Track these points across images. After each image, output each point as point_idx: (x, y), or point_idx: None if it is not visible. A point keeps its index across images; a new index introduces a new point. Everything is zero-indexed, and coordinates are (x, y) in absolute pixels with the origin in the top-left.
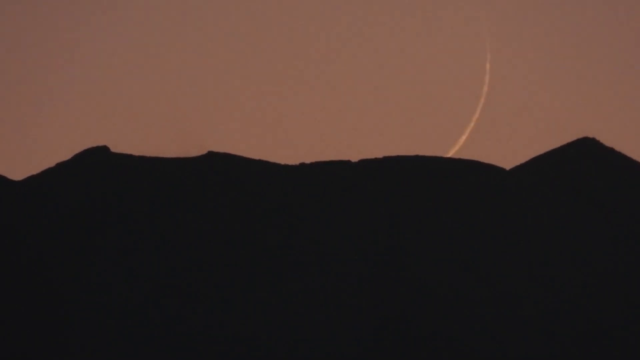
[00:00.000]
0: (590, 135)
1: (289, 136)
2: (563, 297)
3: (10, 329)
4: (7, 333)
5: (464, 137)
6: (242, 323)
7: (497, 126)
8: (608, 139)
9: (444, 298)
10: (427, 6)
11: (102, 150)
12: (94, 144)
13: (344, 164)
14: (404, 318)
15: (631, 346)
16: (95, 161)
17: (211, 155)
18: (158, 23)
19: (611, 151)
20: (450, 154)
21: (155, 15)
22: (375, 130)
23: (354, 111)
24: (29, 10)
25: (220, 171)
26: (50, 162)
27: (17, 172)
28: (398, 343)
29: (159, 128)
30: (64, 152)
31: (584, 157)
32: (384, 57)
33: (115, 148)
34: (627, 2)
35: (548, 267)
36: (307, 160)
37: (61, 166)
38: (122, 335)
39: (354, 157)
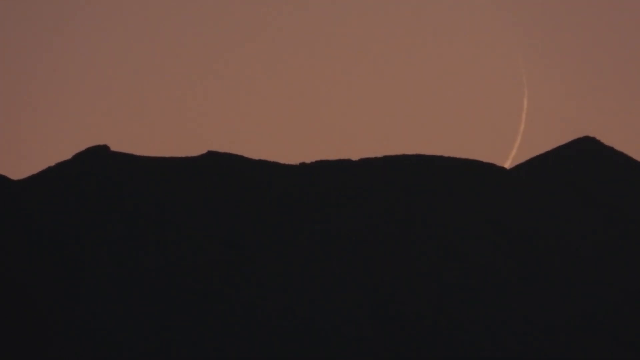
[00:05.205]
0: (590, 135)
1: (289, 136)
2: (562, 296)
3: (9, 329)
4: (6, 334)
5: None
6: (242, 322)
7: (497, 125)
8: (608, 139)
9: (444, 297)
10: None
11: (102, 150)
12: (94, 144)
13: (345, 163)
14: (403, 317)
15: (631, 346)
16: (95, 161)
17: (211, 155)
18: (158, 22)
19: (611, 151)
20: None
21: (155, 15)
22: (377, 131)
23: (355, 111)
24: (29, 9)
25: (220, 171)
26: (50, 162)
27: (17, 172)
28: (397, 341)
29: (159, 128)
30: (64, 152)
31: (584, 157)
32: (387, 61)
33: (115, 148)
34: (627, 2)
35: (548, 267)
36: (307, 160)
37: (61, 166)
38: (122, 335)
39: (355, 157)
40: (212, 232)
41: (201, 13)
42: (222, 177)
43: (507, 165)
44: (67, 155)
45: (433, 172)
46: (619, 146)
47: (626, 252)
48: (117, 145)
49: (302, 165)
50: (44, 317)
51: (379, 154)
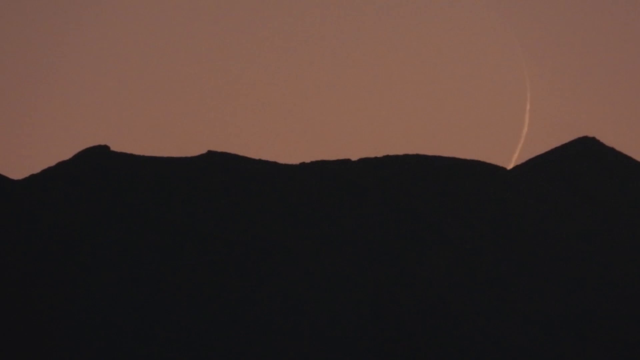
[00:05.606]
0: (590, 135)
1: (289, 136)
2: (562, 296)
3: (9, 329)
4: (6, 334)
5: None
6: (242, 322)
7: (498, 125)
8: (608, 139)
9: (444, 297)
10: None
11: (102, 150)
12: (94, 144)
13: (344, 163)
14: (404, 317)
15: (631, 346)
16: (95, 161)
17: (211, 155)
18: (158, 22)
19: (611, 151)
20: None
21: (155, 15)
22: (377, 131)
23: (355, 111)
24: (29, 9)
25: (220, 171)
26: (50, 162)
27: (17, 172)
28: (398, 341)
29: (159, 128)
30: (64, 152)
31: (584, 157)
32: (388, 61)
33: (115, 148)
34: (627, 3)
35: (548, 267)
36: (307, 160)
37: (61, 166)
38: (122, 335)
39: (355, 157)
40: (212, 232)
41: (201, 13)
42: (222, 177)
43: (510, 167)
44: (67, 155)
45: (433, 172)
46: (619, 146)
47: (626, 252)
48: (117, 145)
49: (302, 165)
50: (44, 317)
51: (379, 154)
